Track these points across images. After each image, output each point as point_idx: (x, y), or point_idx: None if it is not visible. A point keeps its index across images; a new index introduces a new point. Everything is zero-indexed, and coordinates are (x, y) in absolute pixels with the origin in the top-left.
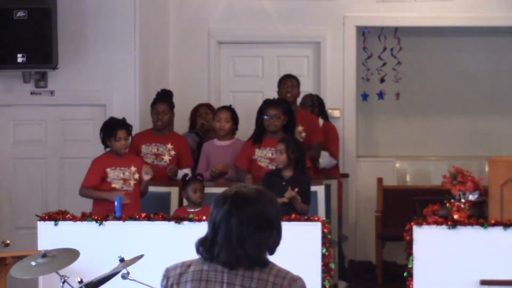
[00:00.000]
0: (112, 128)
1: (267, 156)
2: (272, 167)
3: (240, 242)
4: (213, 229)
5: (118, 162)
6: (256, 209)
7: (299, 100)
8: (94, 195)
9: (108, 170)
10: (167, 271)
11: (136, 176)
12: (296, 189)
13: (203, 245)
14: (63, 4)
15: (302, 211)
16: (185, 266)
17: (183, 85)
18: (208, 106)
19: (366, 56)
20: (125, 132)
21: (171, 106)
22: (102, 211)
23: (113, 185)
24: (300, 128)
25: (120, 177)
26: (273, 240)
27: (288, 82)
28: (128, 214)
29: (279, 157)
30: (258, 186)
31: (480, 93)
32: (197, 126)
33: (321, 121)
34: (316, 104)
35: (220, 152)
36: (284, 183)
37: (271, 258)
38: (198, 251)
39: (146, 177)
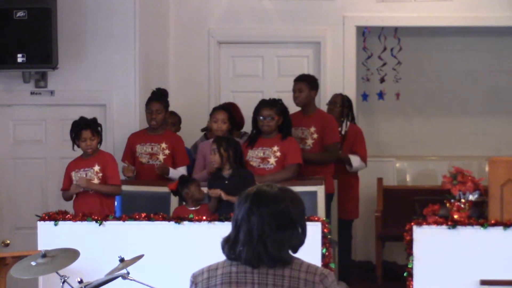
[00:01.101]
0: (77, 129)
1: (258, 156)
2: (263, 166)
3: (261, 240)
4: (236, 227)
5: (81, 163)
6: (277, 207)
7: (322, 101)
8: (68, 195)
9: (72, 173)
10: (194, 277)
11: (100, 175)
12: (217, 190)
13: (227, 243)
14: (63, 4)
15: None
16: (212, 269)
17: (183, 85)
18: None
19: (366, 56)
20: (89, 132)
21: (166, 105)
22: (80, 208)
23: None
24: (312, 129)
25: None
26: (295, 238)
27: (296, 86)
28: (88, 211)
29: (213, 157)
30: (282, 185)
31: (480, 93)
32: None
33: (347, 123)
34: (346, 105)
35: None
36: (226, 181)
37: None
38: (223, 249)
39: (82, 185)
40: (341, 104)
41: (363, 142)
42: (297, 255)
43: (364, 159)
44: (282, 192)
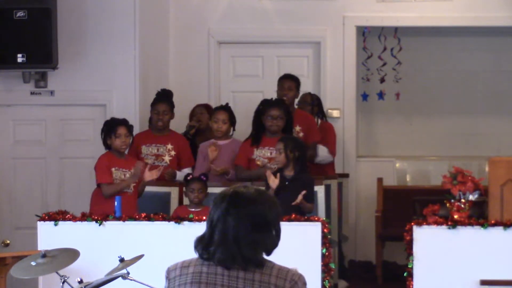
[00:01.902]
0: (113, 125)
1: (265, 156)
2: (271, 166)
3: (236, 241)
4: (211, 227)
5: (120, 162)
6: (253, 209)
7: (324, 102)
8: (119, 187)
9: (113, 170)
10: (168, 271)
11: (173, 153)
12: (304, 192)
13: (200, 243)
14: (63, 4)
15: (309, 210)
16: (185, 267)
17: (183, 85)
18: (205, 106)
19: (366, 56)
20: (125, 129)
21: (172, 106)
22: (100, 211)
23: None
24: (297, 128)
25: (122, 178)
26: (270, 241)
27: (285, 84)
28: (127, 214)
29: (278, 157)
30: (258, 187)
31: (480, 93)
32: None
33: (319, 121)
34: (315, 103)
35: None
36: (286, 182)
37: (272, 258)
38: (195, 248)
39: (149, 178)
40: (310, 103)
41: (333, 137)
42: (297, 255)
43: (332, 152)
44: (258, 194)
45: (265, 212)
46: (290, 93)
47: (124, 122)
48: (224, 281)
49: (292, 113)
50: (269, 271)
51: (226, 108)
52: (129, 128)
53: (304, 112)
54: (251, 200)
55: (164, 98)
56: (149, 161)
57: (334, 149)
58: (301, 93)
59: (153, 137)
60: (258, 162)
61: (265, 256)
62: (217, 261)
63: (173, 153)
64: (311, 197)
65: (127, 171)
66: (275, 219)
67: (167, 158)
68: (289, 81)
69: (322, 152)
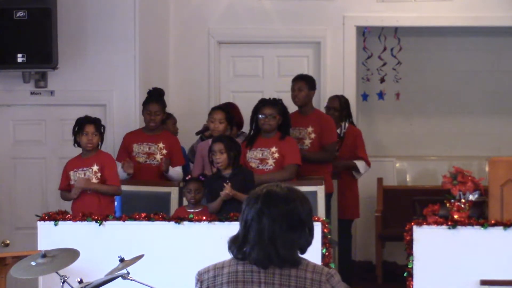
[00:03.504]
0: (81, 123)
1: (257, 157)
2: (262, 167)
3: (271, 241)
4: (245, 227)
5: (80, 163)
6: (288, 208)
7: (322, 101)
8: (68, 197)
9: (71, 173)
10: (200, 274)
11: (99, 175)
12: (229, 184)
13: (234, 243)
14: (63, 4)
15: None
16: (218, 268)
17: (183, 85)
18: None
19: (366, 56)
20: (93, 127)
21: (163, 106)
22: (78, 208)
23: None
24: (309, 129)
25: (81, 178)
26: (304, 239)
27: (296, 85)
28: (86, 211)
29: (220, 157)
30: (290, 185)
31: (480, 93)
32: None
33: (346, 125)
34: (344, 106)
35: None
36: (227, 181)
37: None
38: (229, 249)
39: (82, 186)
40: (339, 108)
41: (363, 145)
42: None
43: (368, 163)
44: (291, 192)
45: (299, 210)
46: (300, 94)
47: (92, 121)
48: (261, 278)
49: (306, 113)
50: (305, 267)
51: (222, 108)
52: (98, 126)
53: (321, 113)
54: (284, 199)
55: (156, 98)
56: (141, 160)
57: (367, 157)
58: (328, 95)
59: (144, 136)
60: (251, 164)
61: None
62: (254, 261)
63: (164, 151)
64: (250, 188)
65: (88, 169)
66: (308, 217)
67: (158, 157)
68: (299, 82)
69: (362, 168)
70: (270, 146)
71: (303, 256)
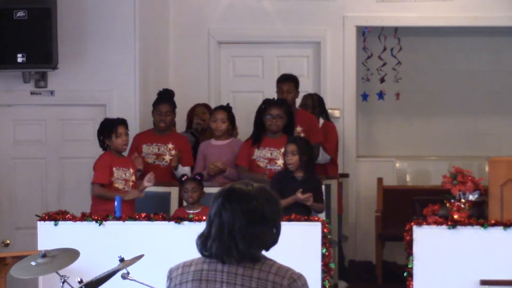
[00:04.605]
0: (112, 125)
1: (266, 156)
2: (271, 167)
3: (231, 234)
4: (209, 223)
5: (120, 161)
6: (249, 204)
7: (298, 100)
8: (108, 195)
9: (114, 169)
10: (170, 271)
11: (133, 178)
12: (310, 194)
13: (200, 239)
14: (63, 4)
15: (320, 210)
16: (187, 266)
17: (183, 85)
18: (205, 106)
19: (366, 56)
20: (124, 128)
21: (174, 106)
22: (100, 212)
23: (116, 185)
24: (299, 128)
25: (122, 177)
26: (269, 237)
27: (284, 87)
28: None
29: (291, 159)
30: (260, 184)
31: (480, 93)
32: (193, 125)
33: (321, 121)
34: (317, 104)
35: (217, 151)
36: (297, 184)
37: (272, 258)
38: (196, 245)
39: (148, 184)
40: (311, 105)
41: (333, 137)
42: (297, 255)
43: (330, 152)
44: (257, 190)
45: (263, 207)
46: (289, 96)
47: (123, 121)
48: (223, 278)
49: (294, 114)
50: (268, 269)
51: (224, 108)
52: (127, 126)
53: (306, 113)
54: (246, 195)
55: (166, 99)
56: (150, 161)
57: (333, 148)
58: (301, 93)
59: (154, 136)
60: (259, 163)
61: (265, 254)
62: (214, 255)
63: (173, 152)
64: (320, 197)
65: (127, 170)
66: (273, 215)
67: (167, 158)
68: (287, 84)
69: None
70: (279, 146)
71: (298, 254)
